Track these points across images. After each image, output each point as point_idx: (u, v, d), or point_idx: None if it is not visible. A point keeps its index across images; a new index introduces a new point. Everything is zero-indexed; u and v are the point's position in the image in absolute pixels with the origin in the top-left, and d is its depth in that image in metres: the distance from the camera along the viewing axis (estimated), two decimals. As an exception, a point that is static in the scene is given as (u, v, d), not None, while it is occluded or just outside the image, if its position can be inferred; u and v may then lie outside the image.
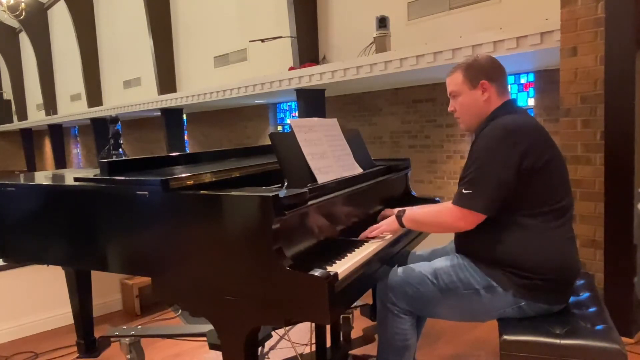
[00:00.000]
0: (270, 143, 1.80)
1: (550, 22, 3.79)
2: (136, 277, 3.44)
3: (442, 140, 6.95)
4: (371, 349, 2.52)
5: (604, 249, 2.88)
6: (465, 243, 1.84)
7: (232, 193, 1.53)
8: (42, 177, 2.53)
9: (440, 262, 1.85)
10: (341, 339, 2.56)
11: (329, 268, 1.48)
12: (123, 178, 1.80)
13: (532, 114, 5.57)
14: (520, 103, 5.94)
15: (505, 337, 1.62)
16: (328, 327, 2.39)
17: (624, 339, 2.00)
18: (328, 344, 2.38)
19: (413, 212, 1.89)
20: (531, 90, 6.05)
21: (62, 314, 3.23)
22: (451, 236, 1.96)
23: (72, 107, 16.06)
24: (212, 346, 2.03)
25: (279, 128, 10.14)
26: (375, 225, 1.91)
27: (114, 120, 5.08)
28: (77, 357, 2.56)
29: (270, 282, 1.45)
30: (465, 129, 1.93)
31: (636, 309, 2.82)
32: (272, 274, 1.44)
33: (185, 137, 11.80)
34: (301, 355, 2.49)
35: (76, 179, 1.95)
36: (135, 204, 1.70)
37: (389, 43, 5.62)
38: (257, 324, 1.56)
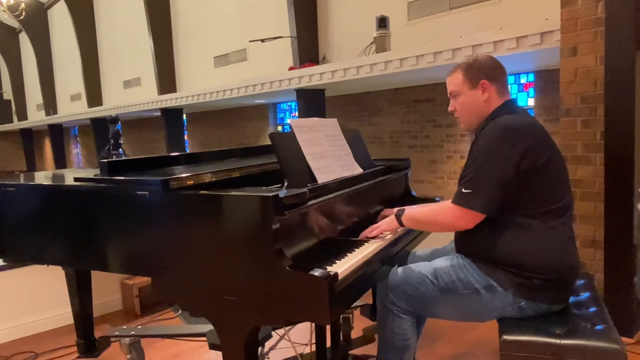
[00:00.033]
0: (270, 143, 1.80)
1: (550, 22, 3.79)
2: (136, 277, 3.44)
3: (442, 140, 6.95)
4: (371, 349, 2.52)
5: (604, 249, 2.88)
6: (465, 243, 1.84)
7: (232, 193, 1.53)
8: (42, 177, 2.53)
9: (440, 262, 1.85)
10: (341, 339, 2.56)
11: (329, 268, 1.48)
12: (123, 178, 1.80)
13: (532, 114, 5.57)
14: (520, 103, 5.93)
15: (505, 337, 1.62)
16: (328, 327, 2.39)
17: (624, 339, 2.00)
18: (328, 344, 2.38)
19: (412, 211, 1.89)
20: (531, 90, 6.04)
21: (62, 314, 3.23)
22: (451, 236, 1.96)
23: (72, 107, 16.06)
24: (212, 346, 2.03)
25: (279, 128, 10.14)
26: (374, 225, 1.91)
27: (114, 120, 5.09)
28: (77, 357, 2.56)
29: (270, 282, 1.45)
30: (465, 128, 1.93)
31: (636, 309, 2.82)
32: (272, 274, 1.44)
33: (185, 137, 11.79)
34: (301, 355, 2.49)
35: (76, 179, 1.95)
36: (135, 204, 1.70)
37: (389, 43, 5.61)
38: (257, 324, 1.56)
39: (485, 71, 1.83)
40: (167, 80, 11.30)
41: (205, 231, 1.57)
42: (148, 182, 1.67)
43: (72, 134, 18.80)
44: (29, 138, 19.16)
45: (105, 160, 1.96)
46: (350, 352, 2.59)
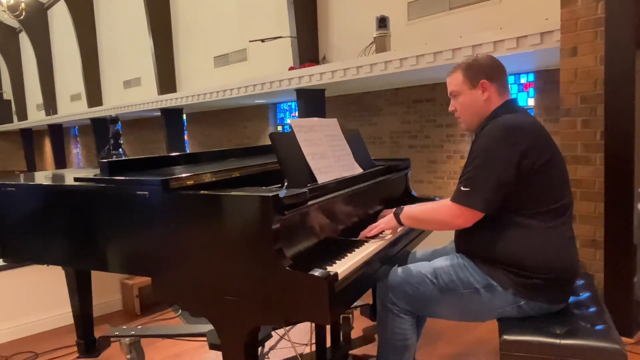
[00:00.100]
0: (270, 143, 1.80)
1: (550, 22, 3.79)
2: (136, 277, 3.44)
3: (442, 140, 6.95)
4: (371, 349, 2.52)
5: (604, 249, 2.88)
6: (465, 242, 1.84)
7: (232, 193, 1.53)
8: (42, 177, 2.53)
9: (440, 262, 1.85)
10: (341, 339, 2.56)
11: (329, 268, 1.47)
12: (123, 178, 1.80)
13: (532, 114, 5.57)
14: (520, 103, 5.92)
15: (505, 337, 1.63)
16: (328, 327, 2.39)
17: (624, 339, 2.00)
18: (328, 344, 2.38)
19: (411, 210, 1.89)
20: (531, 90, 6.05)
21: (62, 314, 3.23)
22: (451, 236, 1.96)
23: (72, 107, 16.06)
24: (212, 346, 2.03)
25: (279, 128, 10.14)
26: (373, 224, 1.91)
27: (114, 120, 5.09)
28: (77, 357, 2.56)
29: (270, 282, 1.45)
30: (465, 128, 1.93)
31: (636, 309, 2.82)
32: (272, 274, 1.44)
33: (185, 137, 11.80)
34: (301, 355, 2.49)
35: (76, 179, 1.95)
36: (136, 204, 1.70)
37: (389, 43, 5.61)
38: (257, 324, 1.56)
39: (485, 71, 1.83)
40: (167, 80, 11.31)
41: (205, 231, 1.57)
42: (148, 182, 1.67)
43: (72, 134, 18.81)
44: (29, 138, 19.16)
45: (105, 160, 1.96)
46: (350, 352, 2.59)
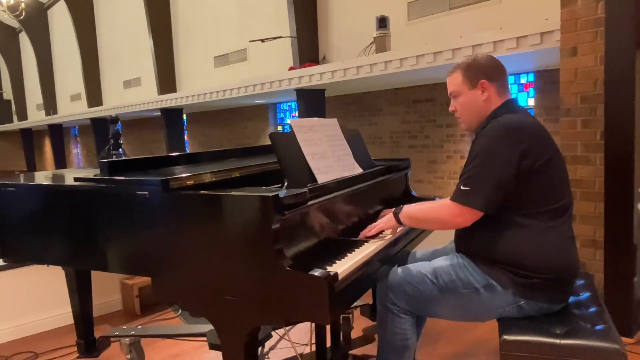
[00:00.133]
0: (270, 143, 1.80)
1: (550, 22, 3.79)
2: (136, 277, 3.44)
3: (442, 140, 6.95)
4: (371, 349, 2.52)
5: (604, 249, 2.88)
6: (464, 242, 1.84)
7: (232, 193, 1.53)
8: (42, 177, 2.53)
9: (440, 262, 1.85)
10: (341, 339, 2.56)
11: (329, 268, 1.48)
12: (123, 178, 1.80)
13: (532, 114, 5.57)
14: (520, 103, 5.93)
15: (505, 337, 1.62)
16: (328, 327, 2.39)
17: (624, 339, 2.01)
18: (328, 344, 2.38)
19: (410, 209, 1.88)
20: (531, 90, 6.05)
21: (62, 314, 3.23)
22: (451, 236, 1.96)
23: (72, 107, 16.06)
24: (212, 346, 2.03)
25: (279, 128, 10.14)
26: (373, 224, 1.91)
27: (114, 120, 5.09)
28: (77, 357, 2.56)
29: (270, 282, 1.45)
30: (465, 128, 1.93)
31: (636, 309, 2.82)
32: (272, 274, 1.44)
33: (185, 137, 11.80)
34: (301, 355, 2.49)
35: (76, 179, 1.95)
36: (136, 204, 1.70)
37: (389, 43, 5.61)
38: (257, 324, 1.56)
39: (485, 71, 1.83)
40: (167, 80, 11.31)
41: (205, 231, 1.57)
42: (148, 182, 1.67)
43: (72, 134, 18.81)
44: (29, 138, 19.16)
45: (105, 160, 1.96)
46: (350, 352, 2.59)
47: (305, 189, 1.60)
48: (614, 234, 2.83)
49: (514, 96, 2.08)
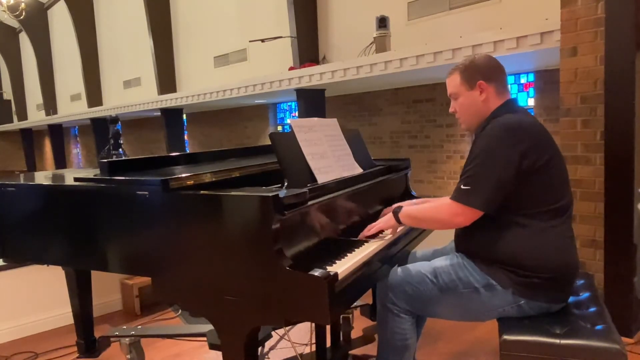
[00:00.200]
0: (270, 143, 1.80)
1: (550, 22, 3.79)
2: (136, 277, 3.44)
3: (442, 140, 6.95)
4: (371, 349, 2.52)
5: (604, 249, 2.88)
6: (464, 242, 1.84)
7: (232, 193, 1.53)
8: (42, 177, 2.53)
9: (440, 261, 1.85)
10: (341, 339, 2.56)
11: (329, 268, 1.48)
12: (123, 178, 1.80)
13: (532, 114, 5.57)
14: (520, 103, 5.93)
15: (505, 337, 1.63)
16: (328, 327, 2.39)
17: (624, 339, 2.01)
18: (328, 344, 2.38)
19: (410, 208, 1.89)
20: (531, 90, 6.05)
21: (62, 314, 3.23)
22: (451, 236, 1.96)
23: (72, 107, 16.06)
24: (212, 346, 2.03)
25: (279, 128, 10.14)
26: (373, 224, 1.91)
27: (114, 120, 5.09)
28: (77, 357, 2.56)
29: (270, 282, 1.45)
30: (466, 129, 1.94)
31: (636, 309, 2.82)
32: (272, 274, 1.44)
33: (185, 137, 11.80)
34: (301, 355, 2.49)
35: (76, 179, 1.95)
36: (136, 204, 1.70)
37: (389, 43, 5.61)
38: (257, 324, 1.56)
39: (482, 72, 1.83)
40: (167, 80, 11.31)
41: (205, 231, 1.57)
42: (148, 182, 1.67)
43: (72, 134, 18.81)
44: (29, 138, 19.16)
45: (105, 160, 1.96)
46: (350, 352, 2.59)
47: (305, 189, 1.60)
48: (614, 234, 2.83)
49: (514, 96, 2.08)
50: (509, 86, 1.95)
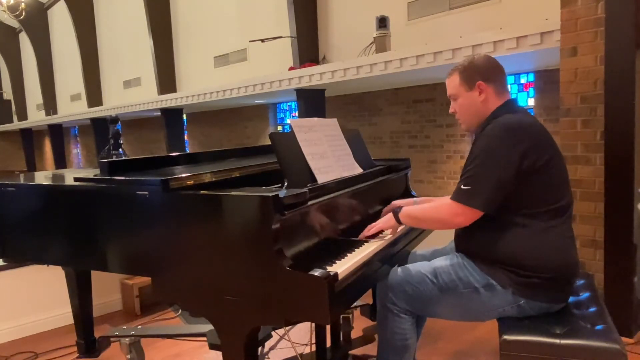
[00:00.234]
0: (270, 143, 1.80)
1: (550, 22, 3.79)
2: (136, 277, 3.44)
3: (442, 140, 6.95)
4: (371, 349, 2.52)
5: (604, 249, 2.88)
6: (464, 242, 1.84)
7: (232, 193, 1.53)
8: (42, 177, 2.53)
9: (440, 261, 1.85)
10: (341, 339, 2.56)
11: (329, 268, 1.48)
12: (123, 178, 1.80)
13: (532, 114, 5.57)
14: (520, 103, 5.93)
15: (505, 337, 1.63)
16: (328, 327, 2.39)
17: (624, 339, 2.01)
18: (328, 344, 2.38)
19: (410, 208, 1.89)
20: (531, 90, 6.04)
21: (62, 314, 3.23)
22: (451, 236, 1.96)
23: (72, 107, 16.06)
24: (212, 346, 2.03)
25: (279, 128, 10.14)
26: (372, 224, 1.91)
27: (114, 120, 5.09)
28: (77, 357, 2.56)
29: (270, 282, 1.45)
30: (466, 129, 1.94)
31: (636, 309, 2.82)
32: (272, 274, 1.44)
33: (185, 137, 11.79)
34: (301, 355, 2.49)
35: (76, 179, 1.95)
36: (136, 204, 1.70)
37: (389, 43, 5.61)
38: (257, 324, 1.56)
39: (481, 72, 1.83)
40: (167, 80, 11.30)
41: (205, 231, 1.57)
42: (148, 182, 1.67)
43: (72, 134, 18.80)
44: (29, 138, 19.16)
45: (105, 160, 1.96)
46: (350, 352, 2.59)
47: (305, 189, 1.60)
48: (614, 234, 2.83)
49: (513, 96, 2.08)
50: (509, 86, 1.95)
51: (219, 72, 9.93)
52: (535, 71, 5.87)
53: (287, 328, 2.82)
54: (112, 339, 2.44)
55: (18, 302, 3.18)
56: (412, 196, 2.64)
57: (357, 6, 7.05)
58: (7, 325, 3.12)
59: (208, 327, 2.08)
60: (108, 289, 3.50)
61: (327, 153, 2.02)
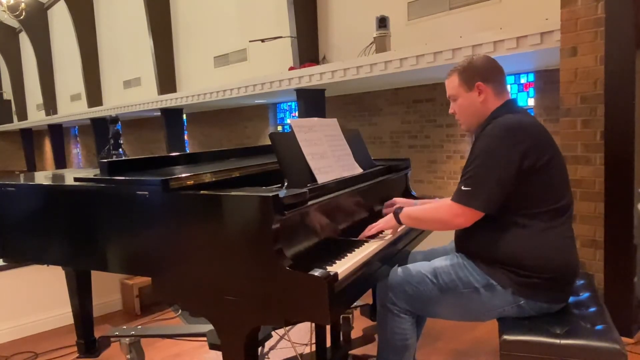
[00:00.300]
0: (270, 143, 1.80)
1: (550, 22, 3.79)
2: (136, 277, 3.44)
3: (442, 140, 6.96)
4: (371, 349, 2.52)
5: (604, 249, 2.88)
6: (465, 242, 1.84)
7: (232, 193, 1.53)
8: (42, 177, 2.53)
9: (440, 262, 1.85)
10: (341, 339, 2.56)
11: (329, 268, 1.48)
12: (123, 178, 1.80)
13: (532, 114, 5.57)
14: (520, 103, 5.93)
15: (505, 337, 1.63)
16: (328, 327, 2.39)
17: (624, 339, 2.00)
18: (328, 344, 2.38)
19: (410, 209, 1.89)
20: (531, 90, 6.05)
21: (62, 314, 3.23)
22: (451, 236, 1.96)
23: (72, 107, 16.06)
24: (212, 346, 2.03)
25: (279, 128, 10.14)
26: (373, 224, 1.91)
27: (114, 120, 5.09)
28: (77, 357, 2.56)
29: (270, 282, 1.45)
30: (466, 129, 1.94)
31: (636, 309, 2.82)
32: (272, 274, 1.44)
33: (185, 137, 11.80)
34: (301, 355, 2.49)
35: (76, 179, 1.95)
36: (136, 204, 1.70)
37: (389, 43, 5.61)
38: (257, 324, 1.56)
39: (480, 73, 1.83)
40: (167, 80, 11.31)
41: (205, 231, 1.57)
42: (148, 182, 1.67)
43: (72, 134, 18.81)
44: (29, 138, 19.16)
45: (105, 160, 1.96)
46: (350, 352, 2.59)
47: (305, 189, 1.60)
48: (614, 234, 2.83)
49: (513, 96, 2.08)
50: (508, 86, 1.94)
51: (219, 72, 9.93)
52: (535, 71, 5.87)
53: (287, 328, 2.82)
54: (112, 339, 2.44)
55: (18, 302, 3.18)
56: (412, 196, 2.64)
57: (357, 6, 7.05)
58: (7, 325, 3.12)
59: (208, 327, 2.08)
60: (108, 289, 3.50)
61: (327, 153, 2.02)
